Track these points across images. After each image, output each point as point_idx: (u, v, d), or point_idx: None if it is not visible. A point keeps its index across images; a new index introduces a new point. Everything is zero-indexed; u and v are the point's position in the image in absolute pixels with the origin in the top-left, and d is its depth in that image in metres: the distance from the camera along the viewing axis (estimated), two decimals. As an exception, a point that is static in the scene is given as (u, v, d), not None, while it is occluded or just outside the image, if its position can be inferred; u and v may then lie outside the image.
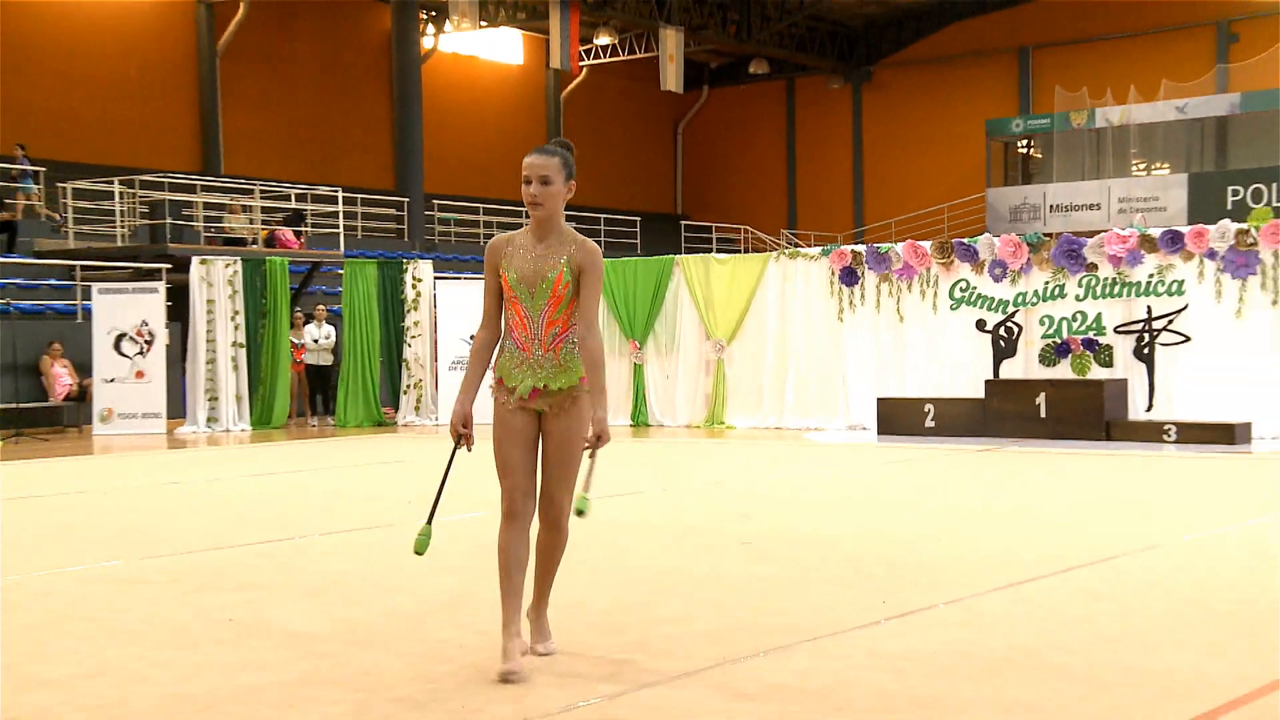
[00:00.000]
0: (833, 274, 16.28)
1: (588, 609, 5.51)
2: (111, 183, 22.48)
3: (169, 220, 21.07)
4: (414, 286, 18.74)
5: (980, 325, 15.30)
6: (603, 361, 4.54)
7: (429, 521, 4.63)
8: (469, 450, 4.64)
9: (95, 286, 18.06)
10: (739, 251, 34.62)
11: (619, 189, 39.28)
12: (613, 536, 7.61)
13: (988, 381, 14.81)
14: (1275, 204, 28.72)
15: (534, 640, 4.77)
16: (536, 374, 4.54)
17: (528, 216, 4.69)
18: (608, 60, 36.85)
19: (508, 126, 36.63)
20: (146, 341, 17.67)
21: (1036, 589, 5.88)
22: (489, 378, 4.72)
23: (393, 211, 29.95)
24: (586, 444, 4.51)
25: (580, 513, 4.45)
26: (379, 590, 6.09)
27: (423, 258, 21.99)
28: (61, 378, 18.12)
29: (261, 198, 24.05)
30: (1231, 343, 13.93)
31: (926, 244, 15.81)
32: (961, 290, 15.46)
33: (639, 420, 17.52)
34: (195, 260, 18.19)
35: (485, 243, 31.60)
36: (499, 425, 4.57)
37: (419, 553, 4.59)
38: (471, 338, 18.43)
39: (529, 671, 4.48)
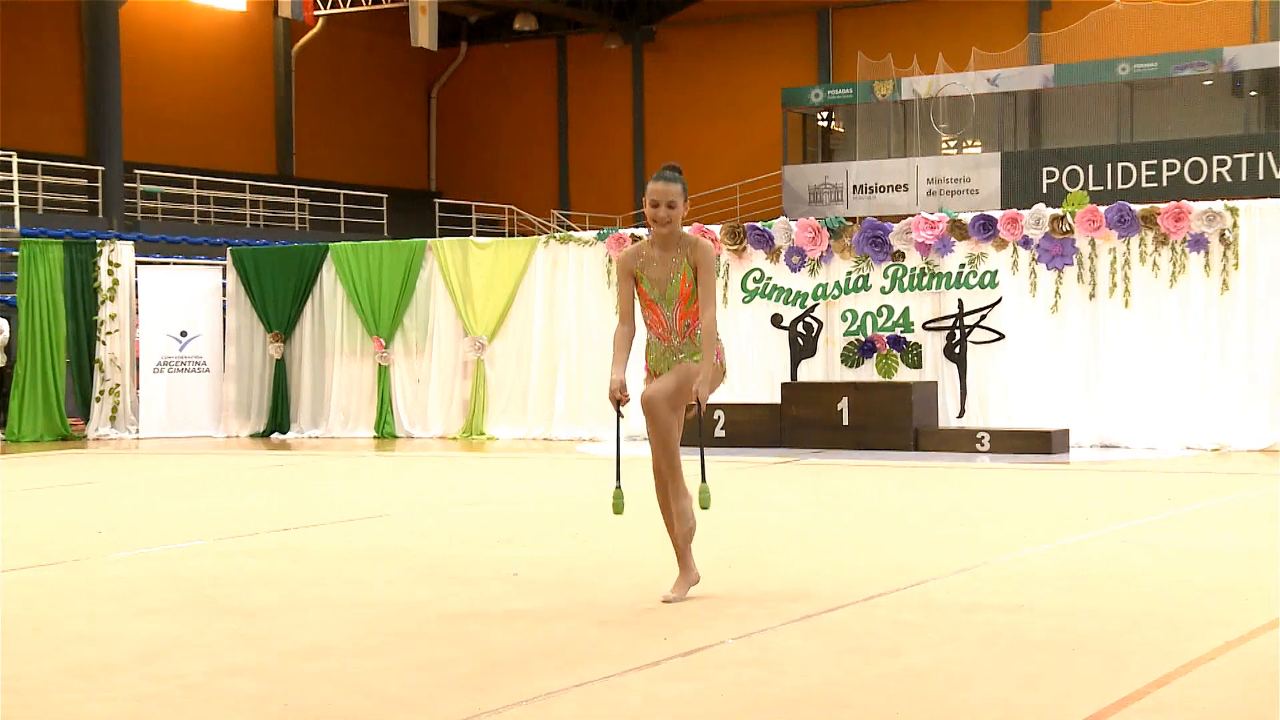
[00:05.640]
0: (609, 261, 16.36)
1: (319, 657, 5.36)
2: None
3: None
4: (110, 273, 18.10)
5: (776, 321, 15.60)
6: (713, 333, 6.24)
7: (618, 483, 6.28)
8: (624, 413, 6.28)
9: None
10: (502, 234, 34.53)
11: (361, 161, 38.73)
12: (351, 569, 7.46)
13: (784, 385, 15.12)
14: (1092, 187, 30.20)
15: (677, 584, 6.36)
16: (678, 356, 6.29)
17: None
18: (348, 10, 36.24)
19: (228, 85, 35.69)
20: None
21: (837, 620, 5.99)
22: (642, 369, 6.43)
23: (83, 182, 28.84)
24: (689, 410, 6.24)
25: (704, 506, 6.15)
26: (57, 640, 5.81)
27: (122, 238, 21.27)
28: None
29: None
30: (1046, 341, 14.55)
31: (716, 228, 16.02)
32: (755, 281, 15.73)
33: (384, 431, 17.28)
34: None
35: (199, 221, 30.91)
36: None
37: (617, 512, 6.37)
38: (183, 334, 17.96)
39: None
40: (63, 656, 5.50)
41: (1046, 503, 10.22)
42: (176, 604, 6.51)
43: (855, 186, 33.75)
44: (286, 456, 15.60)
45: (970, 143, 34.64)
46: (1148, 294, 14.19)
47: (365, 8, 36.18)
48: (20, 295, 17.98)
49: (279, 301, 17.89)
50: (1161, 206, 14.26)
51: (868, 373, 15.21)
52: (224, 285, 18.64)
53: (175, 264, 20.13)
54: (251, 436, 17.91)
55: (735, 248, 15.74)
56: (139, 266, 18.60)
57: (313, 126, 37.76)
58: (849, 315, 15.36)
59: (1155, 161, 30.81)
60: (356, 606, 6.42)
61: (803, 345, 15.51)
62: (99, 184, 28.49)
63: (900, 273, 15.15)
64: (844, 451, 14.25)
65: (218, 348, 18.38)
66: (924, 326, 15.06)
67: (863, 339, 15.26)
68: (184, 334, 18.30)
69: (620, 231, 16.60)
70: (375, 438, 17.28)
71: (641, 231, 16.46)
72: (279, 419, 17.89)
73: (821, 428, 14.60)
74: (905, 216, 15.77)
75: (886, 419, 14.38)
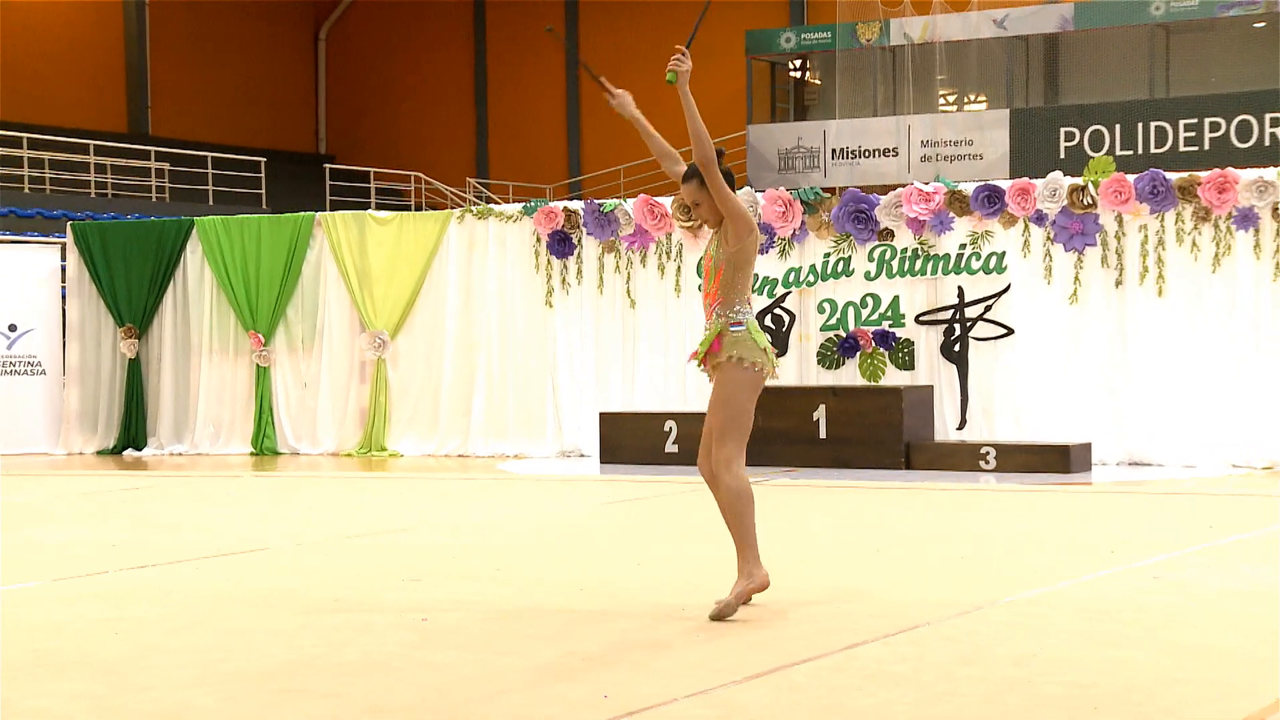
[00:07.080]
0: (538, 240, 16.37)
1: (182, 720, 5.36)
2: None
3: None
4: (-76, 253, 17.96)
5: (739, 313, 15.60)
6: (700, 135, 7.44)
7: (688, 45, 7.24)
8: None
9: None
10: (408, 208, 34.42)
11: (234, 117, 38.51)
12: (226, 613, 7.44)
13: (749, 390, 15.12)
14: (1119, 151, 30.31)
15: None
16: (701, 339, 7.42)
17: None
18: (217, -68, 36.14)
19: (67, 21, 35.42)
20: None
21: (812, 672, 6.02)
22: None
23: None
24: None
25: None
26: None
27: (-63, 211, 21.09)
28: None
29: None
30: (1064, 337, 14.65)
31: (666, 200, 16.05)
32: (713, 264, 15.75)
33: (264, 447, 17.20)
34: None
35: (31, 188, 30.64)
36: None
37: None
38: (11, 328, 17.78)
39: None
40: None
41: (1063, 532, 10.29)
42: (5, 660, 6.47)
43: (834, 150, 33.80)
44: (143, 478, 15.48)
45: (973, 98, 34.78)
46: (1186, 280, 14.31)
47: (239, -70, 36.10)
48: None
49: (132, 288, 17.75)
50: (1203, 175, 14.37)
51: (850, 375, 15.27)
52: (63, 268, 18.48)
53: (2, 242, 19.92)
54: (99, 454, 17.76)
55: (688, 225, 15.76)
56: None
57: (173, 74, 37.48)
58: (827, 306, 15.42)
59: (1195, 120, 30.96)
60: (229, 660, 6.40)
61: (771, 342, 15.53)
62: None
63: (888, 255, 15.22)
64: (821, 470, 14.30)
65: (56, 345, 18.24)
66: (917, 320, 15.13)
67: (843, 334, 15.32)
68: (13, 328, 18.14)
69: (551, 204, 16.59)
70: (252, 454, 17.19)
71: (576, 205, 16.48)
72: (133, 432, 17.76)
73: (794, 441, 14.64)
74: (895, 187, 15.83)
75: (872, 431, 14.43)
